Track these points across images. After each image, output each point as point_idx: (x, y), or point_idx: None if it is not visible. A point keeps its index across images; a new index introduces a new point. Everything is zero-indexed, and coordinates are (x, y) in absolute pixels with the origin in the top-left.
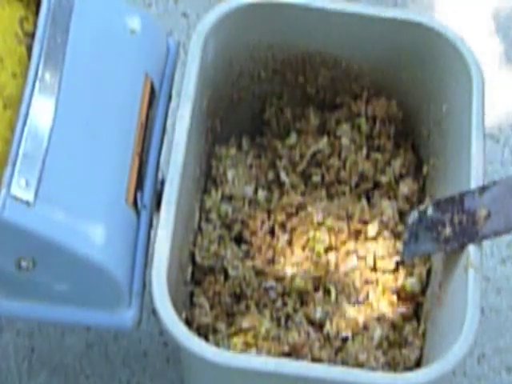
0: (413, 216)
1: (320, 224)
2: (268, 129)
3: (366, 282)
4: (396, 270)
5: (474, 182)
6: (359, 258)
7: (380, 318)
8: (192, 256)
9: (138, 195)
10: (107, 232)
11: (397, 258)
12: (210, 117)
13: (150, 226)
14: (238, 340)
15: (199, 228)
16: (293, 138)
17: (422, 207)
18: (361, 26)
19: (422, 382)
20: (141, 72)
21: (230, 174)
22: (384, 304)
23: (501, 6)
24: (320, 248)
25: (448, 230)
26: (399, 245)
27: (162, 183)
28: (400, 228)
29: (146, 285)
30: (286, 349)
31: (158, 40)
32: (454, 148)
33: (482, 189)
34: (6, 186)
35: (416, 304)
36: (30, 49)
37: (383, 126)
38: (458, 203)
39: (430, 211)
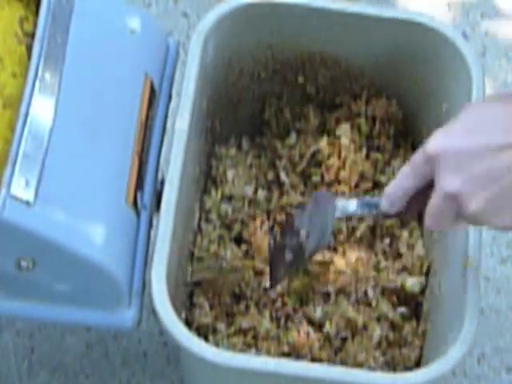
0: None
1: None
2: (268, 129)
3: (366, 282)
4: (396, 269)
5: None
6: (358, 258)
7: (379, 318)
8: (192, 256)
9: (138, 195)
10: (107, 232)
11: (397, 259)
12: (209, 117)
13: (150, 225)
14: (237, 340)
15: (199, 228)
16: (292, 138)
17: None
18: (361, 26)
19: (421, 381)
20: (141, 72)
21: (229, 174)
22: (383, 304)
23: (501, 6)
24: None
25: (289, 256)
26: (399, 245)
27: (162, 183)
28: (399, 229)
29: (145, 285)
30: (286, 349)
31: (157, 40)
32: None
33: (302, 208)
34: (5, 186)
35: (415, 304)
36: (29, 49)
37: (383, 126)
38: (292, 226)
39: (278, 237)
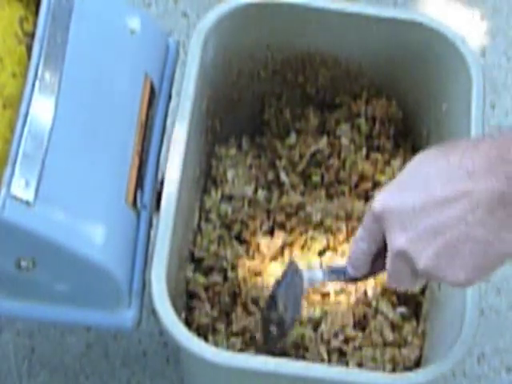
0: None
1: (319, 224)
2: (268, 129)
3: (366, 282)
4: None
5: None
6: None
7: (379, 318)
8: (192, 256)
9: (138, 195)
10: (107, 232)
11: None
12: (209, 116)
13: (150, 225)
14: (237, 340)
15: (199, 228)
16: (292, 138)
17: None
18: (361, 25)
19: (421, 381)
20: (141, 72)
21: (229, 174)
22: (384, 304)
23: (501, 6)
24: (319, 248)
25: (273, 329)
26: None
27: (162, 183)
28: None
29: (145, 285)
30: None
31: (157, 40)
32: None
33: (278, 281)
34: (5, 186)
35: (415, 304)
36: (29, 48)
37: (383, 126)
38: (272, 299)
39: (264, 310)
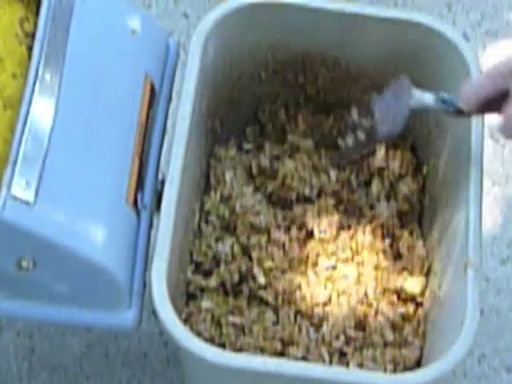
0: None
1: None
2: (266, 130)
3: (366, 282)
4: (396, 270)
5: (473, 182)
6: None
7: (380, 318)
8: (192, 256)
9: (139, 195)
10: (107, 232)
11: (398, 260)
12: (210, 117)
13: (151, 226)
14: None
15: (199, 229)
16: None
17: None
18: (361, 26)
19: (421, 382)
20: (141, 72)
21: (227, 175)
22: (384, 304)
23: (500, 6)
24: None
25: (361, 136)
26: (399, 245)
27: (163, 183)
28: (399, 229)
29: (146, 285)
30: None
31: (158, 40)
32: (454, 148)
33: (381, 92)
34: (6, 186)
35: (416, 304)
36: (30, 49)
37: None
38: (368, 108)
39: (354, 114)
